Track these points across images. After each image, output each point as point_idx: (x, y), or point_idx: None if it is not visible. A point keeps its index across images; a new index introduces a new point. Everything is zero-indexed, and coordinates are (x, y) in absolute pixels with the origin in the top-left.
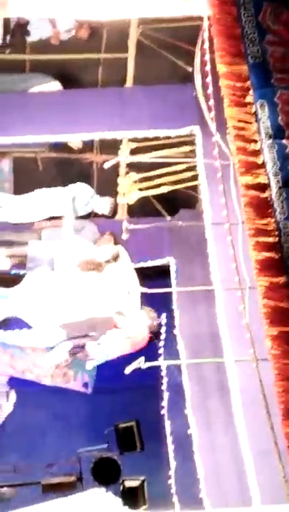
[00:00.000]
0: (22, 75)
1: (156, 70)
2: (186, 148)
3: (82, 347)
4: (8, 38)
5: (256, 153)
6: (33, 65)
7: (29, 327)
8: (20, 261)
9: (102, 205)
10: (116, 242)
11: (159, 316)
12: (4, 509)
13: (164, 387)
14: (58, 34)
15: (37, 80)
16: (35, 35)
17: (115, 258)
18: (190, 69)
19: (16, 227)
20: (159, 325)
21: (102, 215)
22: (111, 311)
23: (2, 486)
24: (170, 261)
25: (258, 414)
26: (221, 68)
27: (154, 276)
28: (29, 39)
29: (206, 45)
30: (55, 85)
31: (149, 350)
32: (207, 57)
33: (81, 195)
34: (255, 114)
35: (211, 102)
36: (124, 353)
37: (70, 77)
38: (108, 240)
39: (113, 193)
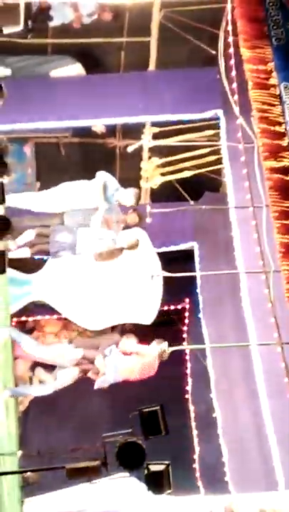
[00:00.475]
0: (44, 57)
1: (179, 54)
2: (210, 132)
3: (92, 362)
4: (29, 23)
5: (281, 135)
6: (55, 50)
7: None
8: (41, 249)
9: (127, 196)
10: (140, 219)
11: (183, 301)
12: (29, 493)
13: (188, 371)
14: (80, 18)
15: (59, 61)
16: (57, 19)
17: (132, 247)
18: (213, 52)
19: (38, 212)
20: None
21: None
22: (133, 297)
23: (26, 471)
24: (194, 245)
25: (282, 398)
26: (245, 52)
27: (177, 260)
28: (51, 24)
29: (230, 28)
30: (77, 68)
31: (173, 334)
32: (230, 39)
33: (108, 186)
34: (280, 96)
35: (235, 85)
36: (133, 376)
37: (92, 61)
38: (134, 218)
39: (136, 177)
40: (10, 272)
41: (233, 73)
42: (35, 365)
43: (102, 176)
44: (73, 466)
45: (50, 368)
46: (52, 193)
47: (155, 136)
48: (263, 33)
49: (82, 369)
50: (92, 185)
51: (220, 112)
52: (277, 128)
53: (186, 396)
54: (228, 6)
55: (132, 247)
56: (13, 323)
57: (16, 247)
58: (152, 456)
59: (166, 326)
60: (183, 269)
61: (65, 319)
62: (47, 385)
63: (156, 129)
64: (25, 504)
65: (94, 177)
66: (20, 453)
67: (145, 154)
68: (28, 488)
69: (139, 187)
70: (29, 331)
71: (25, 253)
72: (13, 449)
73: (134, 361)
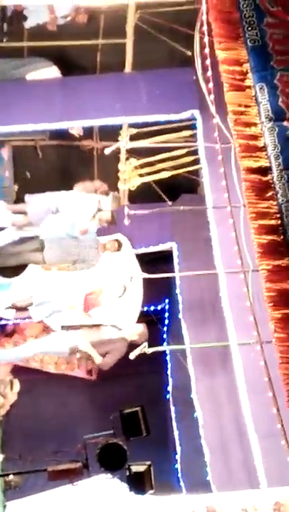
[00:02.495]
0: (20, 60)
1: (155, 55)
2: (187, 133)
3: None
4: (5, 26)
5: (257, 136)
6: (31, 53)
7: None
8: None
9: (107, 203)
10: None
11: (162, 301)
12: (11, 496)
13: (168, 371)
14: (55, 20)
15: (35, 64)
16: (32, 20)
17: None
18: (189, 52)
19: None
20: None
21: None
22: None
23: (8, 474)
24: (172, 246)
25: (263, 397)
26: (220, 54)
27: (156, 261)
28: (26, 24)
29: (205, 28)
30: (53, 70)
31: (153, 335)
32: (206, 40)
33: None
34: (255, 97)
35: (211, 85)
36: None
37: (68, 64)
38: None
39: (114, 179)
40: None
41: (209, 73)
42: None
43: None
44: (55, 468)
45: None
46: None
47: (132, 138)
48: (237, 35)
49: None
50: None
51: (196, 113)
52: (253, 129)
53: (167, 396)
54: (203, 7)
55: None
56: None
57: None
58: (134, 457)
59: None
60: (162, 269)
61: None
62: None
63: (134, 131)
64: (8, 507)
65: (71, 182)
66: (1, 457)
67: (123, 156)
68: (11, 492)
69: (117, 189)
70: (9, 335)
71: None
72: None
73: None
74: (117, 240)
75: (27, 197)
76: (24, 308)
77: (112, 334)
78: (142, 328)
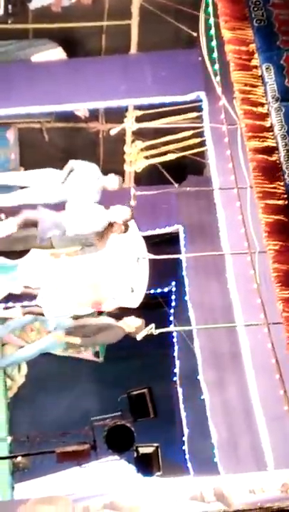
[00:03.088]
0: (25, 42)
1: (160, 36)
2: (192, 115)
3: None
4: (9, 7)
5: (263, 116)
6: (36, 34)
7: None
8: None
9: (110, 181)
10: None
11: (169, 284)
12: (19, 478)
13: (175, 353)
14: (60, 1)
15: (40, 46)
16: (37, 1)
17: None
18: (195, 33)
19: None
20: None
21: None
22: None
23: (17, 456)
24: (179, 228)
25: (270, 378)
26: (226, 33)
27: (163, 243)
28: (31, 6)
29: (210, 9)
30: (58, 52)
31: (160, 317)
32: (211, 21)
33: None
34: (262, 77)
35: (217, 66)
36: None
37: (73, 46)
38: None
39: (120, 161)
40: None
41: (215, 55)
42: None
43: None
44: (63, 450)
45: None
46: (36, 180)
47: (138, 120)
48: (243, 15)
49: None
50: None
51: (202, 94)
52: (259, 109)
53: (174, 378)
54: None
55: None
56: None
57: None
58: (141, 439)
59: (152, 309)
60: (168, 252)
61: None
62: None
63: (139, 112)
64: (16, 489)
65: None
66: (10, 438)
67: (128, 138)
68: (19, 474)
69: (123, 171)
70: None
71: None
72: (3, 435)
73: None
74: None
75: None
76: (32, 297)
77: (111, 322)
78: (140, 322)
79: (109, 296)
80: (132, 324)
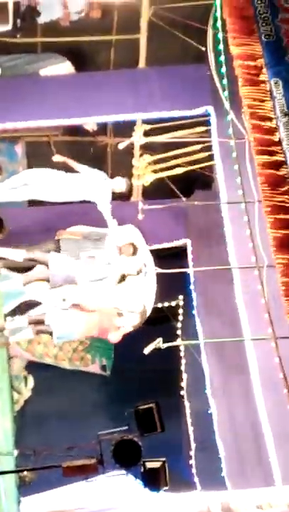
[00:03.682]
0: (34, 56)
1: (168, 50)
2: (201, 129)
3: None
4: (18, 21)
5: (272, 130)
6: (45, 48)
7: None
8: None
9: (118, 183)
10: (135, 250)
11: (176, 298)
12: (25, 492)
13: (182, 367)
14: (69, 15)
15: (49, 60)
16: (45, 15)
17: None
18: (203, 48)
19: (35, 238)
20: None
21: (119, 195)
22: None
23: (22, 470)
24: (186, 242)
25: (278, 393)
26: (234, 49)
27: (170, 257)
28: (40, 20)
29: (219, 24)
30: (67, 66)
31: (167, 331)
32: (220, 35)
33: (95, 179)
34: (270, 92)
35: (225, 81)
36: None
37: (82, 60)
38: (128, 249)
39: (128, 175)
40: (2, 271)
41: (223, 69)
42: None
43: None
44: (70, 464)
45: None
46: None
47: (146, 134)
48: (252, 30)
49: None
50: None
51: (210, 108)
52: (268, 123)
53: (181, 392)
54: (217, 3)
55: (139, 272)
56: None
57: None
58: (148, 453)
59: (160, 323)
60: (176, 266)
61: None
62: None
63: (148, 126)
64: (23, 503)
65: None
66: (16, 452)
67: (136, 152)
68: (25, 487)
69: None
70: None
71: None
72: (10, 449)
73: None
74: (132, 244)
75: None
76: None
77: None
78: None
79: (117, 325)
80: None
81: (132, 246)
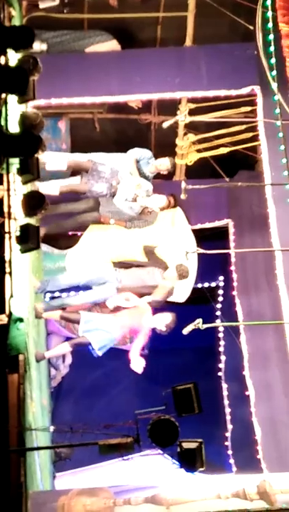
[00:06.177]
0: (80, 33)
1: (216, 29)
2: (246, 109)
3: None
4: None
5: None
6: (91, 24)
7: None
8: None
9: (162, 162)
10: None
11: (217, 279)
12: (61, 468)
13: (221, 348)
14: None
15: (95, 37)
16: None
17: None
18: (251, 27)
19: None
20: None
21: (162, 175)
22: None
23: (58, 446)
24: (228, 222)
25: None
26: (283, 27)
27: (211, 238)
28: None
29: (268, 2)
30: (113, 43)
31: (207, 312)
32: (269, 14)
33: (143, 157)
34: None
35: (273, 61)
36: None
37: (128, 37)
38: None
39: (171, 154)
40: (44, 247)
41: (272, 49)
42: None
43: (134, 149)
44: (106, 442)
45: None
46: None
47: (191, 113)
48: None
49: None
50: (125, 156)
51: (257, 88)
52: None
53: (219, 374)
54: None
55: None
56: None
57: None
58: (184, 433)
59: (199, 303)
60: (217, 246)
61: None
62: None
63: (192, 105)
64: (57, 478)
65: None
66: (52, 428)
67: (180, 131)
68: (60, 463)
69: (173, 163)
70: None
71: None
72: (46, 425)
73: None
74: (172, 195)
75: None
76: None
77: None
78: (170, 318)
79: (148, 326)
80: (161, 321)
81: (173, 197)
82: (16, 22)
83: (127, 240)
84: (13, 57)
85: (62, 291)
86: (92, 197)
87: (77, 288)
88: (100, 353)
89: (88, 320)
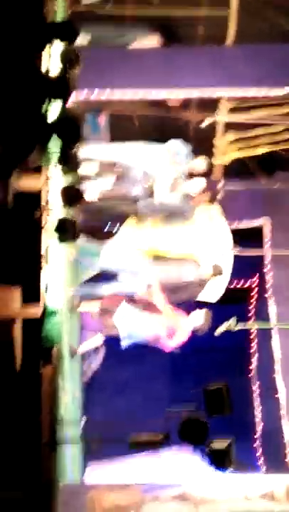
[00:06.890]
0: (122, 28)
1: (258, 29)
2: (286, 109)
3: None
4: None
5: None
6: (134, 21)
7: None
8: None
9: (198, 163)
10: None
11: (250, 279)
12: (90, 461)
13: (253, 350)
14: None
15: (137, 33)
16: None
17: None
18: None
19: None
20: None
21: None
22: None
23: (89, 440)
24: (264, 223)
25: None
26: None
27: (247, 237)
28: None
29: None
30: (155, 40)
31: (238, 312)
32: None
33: (180, 152)
34: None
35: None
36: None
37: (169, 34)
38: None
39: (209, 152)
40: (79, 240)
41: None
42: None
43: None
44: (136, 438)
45: None
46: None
47: (230, 112)
48: None
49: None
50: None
51: None
52: None
53: (250, 375)
54: None
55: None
56: None
57: None
58: (214, 432)
59: (232, 303)
60: (251, 246)
61: None
62: None
63: (232, 105)
64: (87, 472)
65: None
66: (83, 421)
67: (219, 130)
68: (90, 456)
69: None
70: None
71: None
72: (77, 417)
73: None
74: (211, 190)
75: None
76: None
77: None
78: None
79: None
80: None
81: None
82: (60, 16)
83: (163, 235)
84: (56, 50)
85: (92, 280)
86: (129, 200)
87: (108, 278)
88: (125, 344)
89: (124, 313)
